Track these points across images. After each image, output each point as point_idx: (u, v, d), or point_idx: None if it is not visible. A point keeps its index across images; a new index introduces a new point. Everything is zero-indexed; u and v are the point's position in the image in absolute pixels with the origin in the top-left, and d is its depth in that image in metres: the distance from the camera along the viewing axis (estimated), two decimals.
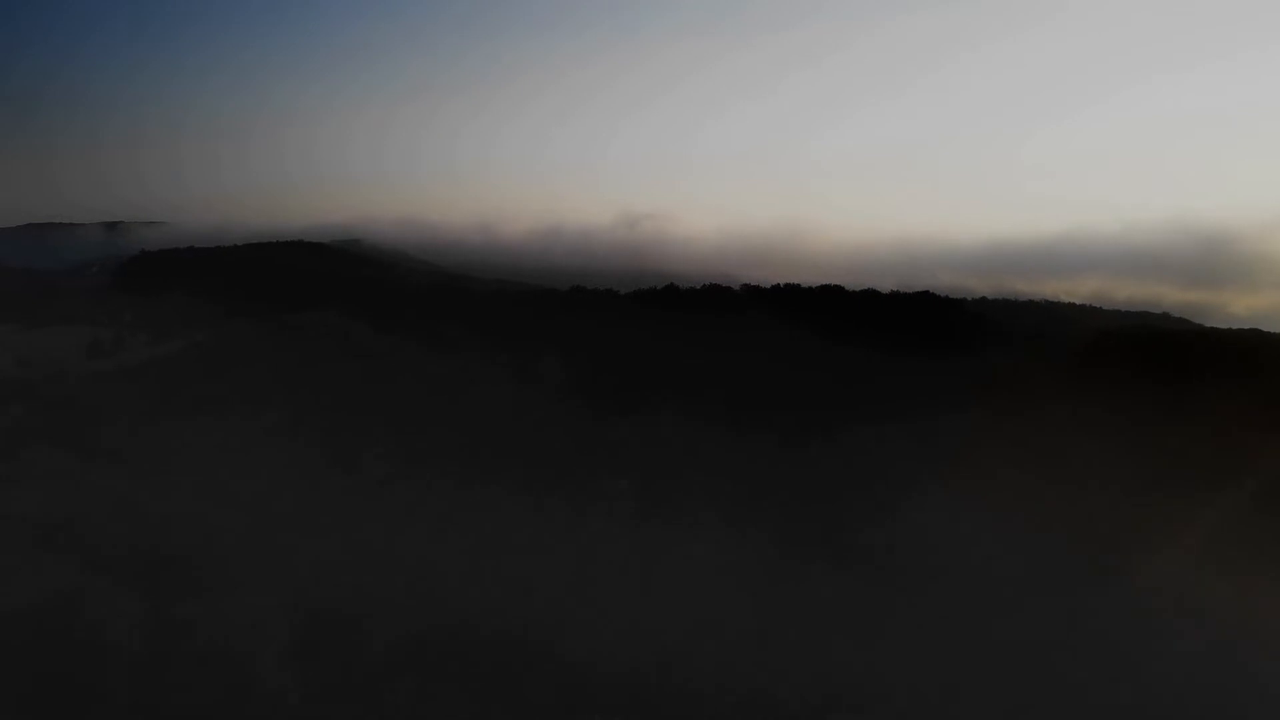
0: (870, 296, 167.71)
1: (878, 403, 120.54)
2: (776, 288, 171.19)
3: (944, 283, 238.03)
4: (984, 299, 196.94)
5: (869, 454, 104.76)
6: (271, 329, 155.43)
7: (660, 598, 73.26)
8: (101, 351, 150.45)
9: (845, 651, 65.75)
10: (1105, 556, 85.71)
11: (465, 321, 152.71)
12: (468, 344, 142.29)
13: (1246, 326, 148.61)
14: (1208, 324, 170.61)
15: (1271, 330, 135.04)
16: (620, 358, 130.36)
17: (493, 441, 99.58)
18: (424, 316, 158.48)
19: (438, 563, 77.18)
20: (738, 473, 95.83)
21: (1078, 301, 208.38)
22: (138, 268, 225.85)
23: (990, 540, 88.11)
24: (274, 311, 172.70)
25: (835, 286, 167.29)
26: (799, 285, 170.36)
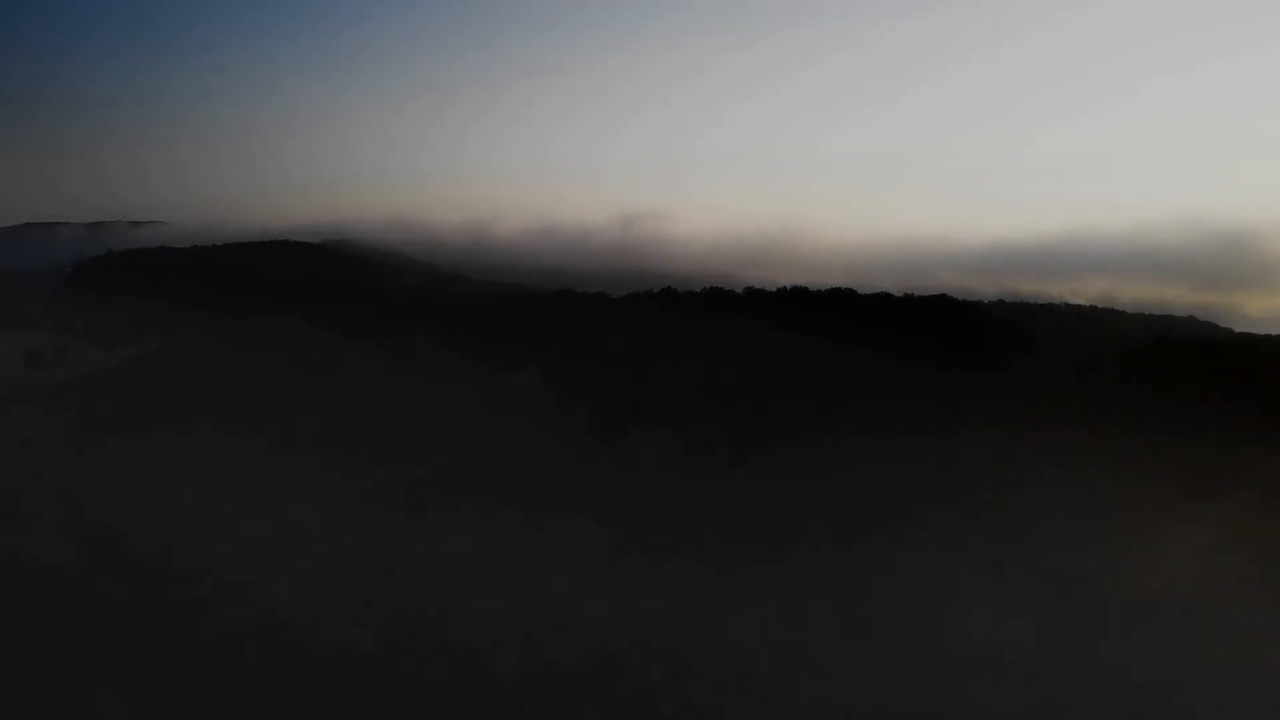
0: (883, 300, 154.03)
1: (898, 420, 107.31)
2: (782, 291, 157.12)
3: (947, 284, 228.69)
4: (1001, 302, 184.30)
5: (886, 480, 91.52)
6: (231, 335, 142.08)
7: (642, 650, 59.99)
8: (42, 361, 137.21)
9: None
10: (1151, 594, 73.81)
11: (442, 327, 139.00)
12: (441, 353, 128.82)
13: (1271, 331, 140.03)
14: (1237, 329, 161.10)
15: None
16: (609, 369, 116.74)
17: (453, 471, 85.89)
18: (400, 322, 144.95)
19: (377, 624, 63.66)
20: (737, 505, 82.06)
21: (1100, 305, 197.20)
22: (104, 269, 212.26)
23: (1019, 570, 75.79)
24: (239, 315, 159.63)
25: (846, 290, 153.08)
26: (806, 288, 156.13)
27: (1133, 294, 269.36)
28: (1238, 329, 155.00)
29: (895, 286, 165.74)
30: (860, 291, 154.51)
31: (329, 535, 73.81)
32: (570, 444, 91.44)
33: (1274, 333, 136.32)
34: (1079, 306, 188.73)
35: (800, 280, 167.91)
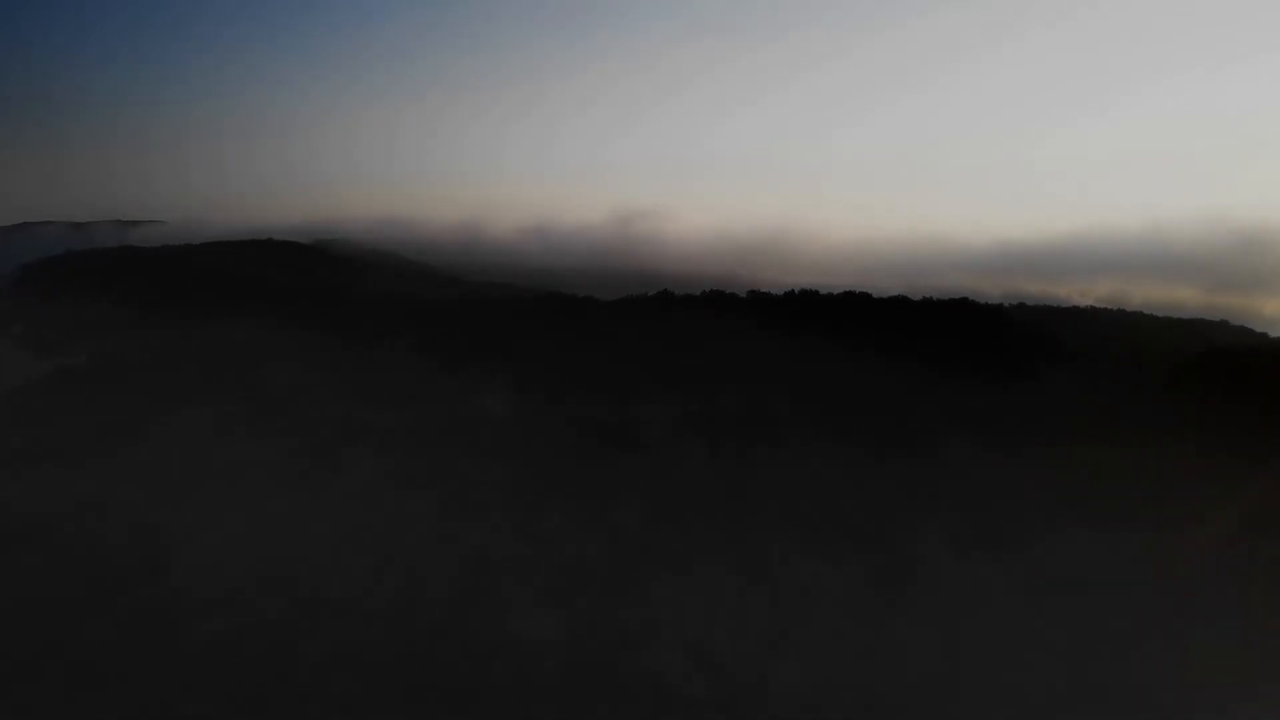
0: (899, 304, 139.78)
1: (925, 440, 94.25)
2: (789, 294, 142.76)
3: (957, 285, 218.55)
4: (1022, 305, 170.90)
5: (913, 514, 77.97)
6: (177, 343, 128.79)
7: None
8: None
9: None
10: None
11: (418, 335, 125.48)
12: (408, 363, 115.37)
13: None
14: (1270, 334, 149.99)
15: None
16: (593, 383, 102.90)
17: (388, 519, 71.57)
18: (373, 329, 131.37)
19: None
20: (737, 570, 67.47)
21: (1127, 309, 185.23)
22: (59, 270, 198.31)
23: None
24: (193, 321, 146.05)
25: (861, 294, 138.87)
26: (816, 291, 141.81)
27: (1146, 295, 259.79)
28: (1259, 332, 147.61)
29: (904, 288, 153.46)
30: (875, 295, 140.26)
31: (223, 606, 59.42)
32: (535, 485, 76.96)
33: None
34: (1101, 310, 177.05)
35: (805, 282, 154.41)
